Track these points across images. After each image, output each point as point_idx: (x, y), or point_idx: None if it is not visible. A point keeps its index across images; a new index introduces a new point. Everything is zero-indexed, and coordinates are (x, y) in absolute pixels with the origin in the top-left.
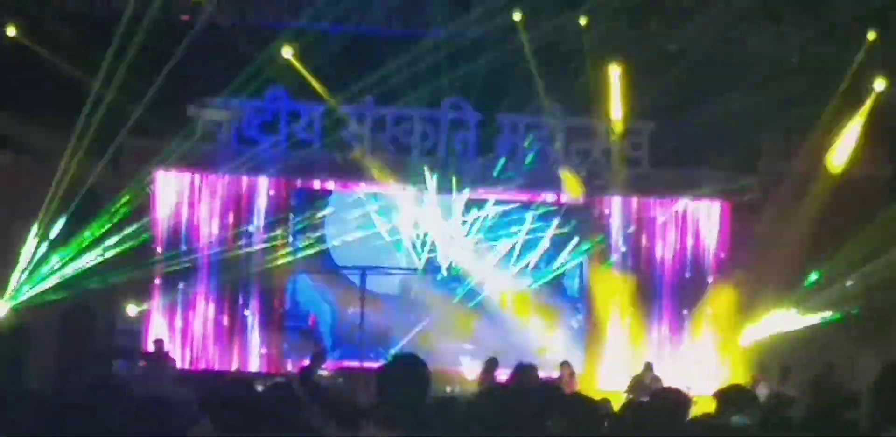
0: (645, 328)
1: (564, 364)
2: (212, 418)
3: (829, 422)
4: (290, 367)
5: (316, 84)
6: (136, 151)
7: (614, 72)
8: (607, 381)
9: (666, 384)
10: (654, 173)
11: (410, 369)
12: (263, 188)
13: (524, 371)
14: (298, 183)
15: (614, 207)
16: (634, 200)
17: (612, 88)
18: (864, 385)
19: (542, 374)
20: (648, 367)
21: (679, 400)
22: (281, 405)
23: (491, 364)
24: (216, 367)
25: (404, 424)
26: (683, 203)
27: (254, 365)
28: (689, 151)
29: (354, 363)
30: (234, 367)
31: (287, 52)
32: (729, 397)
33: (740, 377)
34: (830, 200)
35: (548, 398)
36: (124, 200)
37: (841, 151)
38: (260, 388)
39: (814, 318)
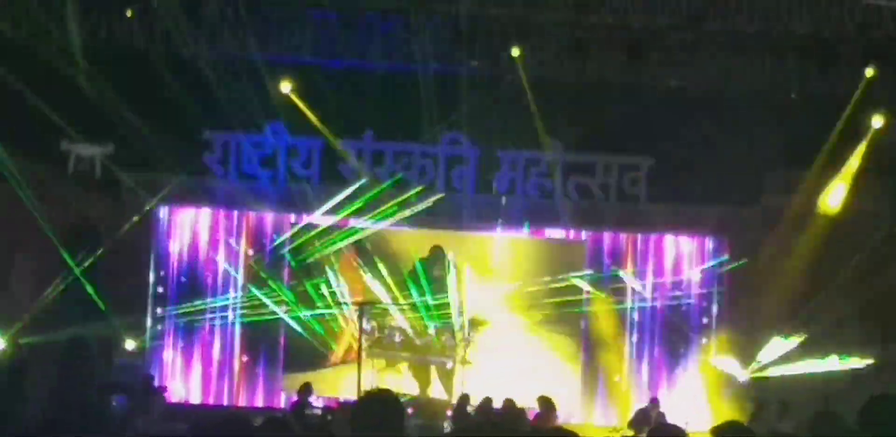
0: (642, 364)
1: (541, 399)
2: None
3: None
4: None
5: (314, 119)
6: (137, 186)
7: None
8: (606, 418)
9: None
10: (652, 209)
11: (383, 404)
12: (266, 223)
13: (484, 405)
14: (293, 218)
15: (611, 243)
16: (631, 237)
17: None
18: None
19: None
20: (654, 402)
21: (676, 435)
22: None
23: (462, 400)
24: (212, 402)
25: None
26: (681, 239)
27: (251, 400)
28: (689, 187)
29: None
30: (230, 402)
31: (286, 87)
32: (725, 433)
33: (738, 413)
34: (830, 238)
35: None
36: (120, 232)
37: (837, 189)
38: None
39: (820, 364)
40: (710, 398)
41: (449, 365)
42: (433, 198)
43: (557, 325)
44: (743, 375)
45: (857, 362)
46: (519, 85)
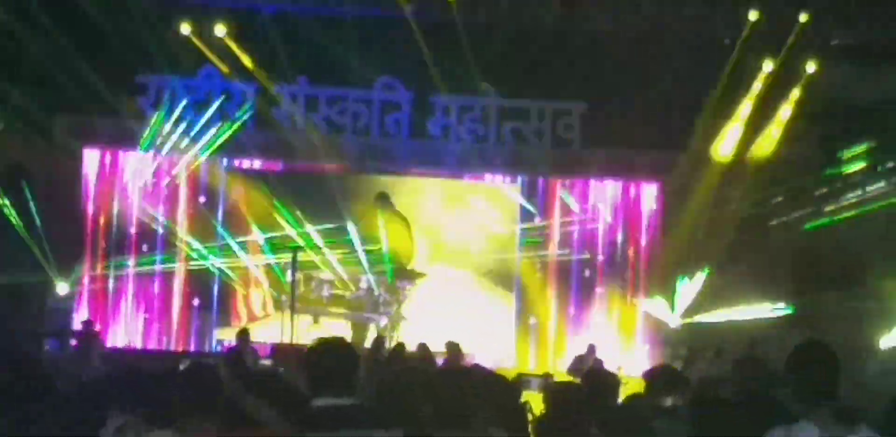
0: (575, 311)
1: (448, 344)
2: (125, 398)
3: (757, 402)
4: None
5: (249, 63)
6: (67, 128)
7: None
8: (540, 365)
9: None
10: (586, 154)
11: (339, 353)
12: (198, 168)
13: (395, 351)
14: (225, 162)
15: (546, 189)
16: (565, 182)
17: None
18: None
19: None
20: (591, 349)
21: (609, 381)
22: (200, 386)
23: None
24: (148, 347)
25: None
26: (614, 184)
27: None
28: (622, 132)
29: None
30: (168, 347)
31: (220, 31)
32: (659, 378)
33: (671, 359)
34: (760, 184)
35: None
36: (54, 177)
37: (729, 137)
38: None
39: (746, 311)
40: (641, 343)
41: (383, 322)
42: None
43: (491, 275)
44: (674, 320)
45: (778, 311)
46: (453, 30)
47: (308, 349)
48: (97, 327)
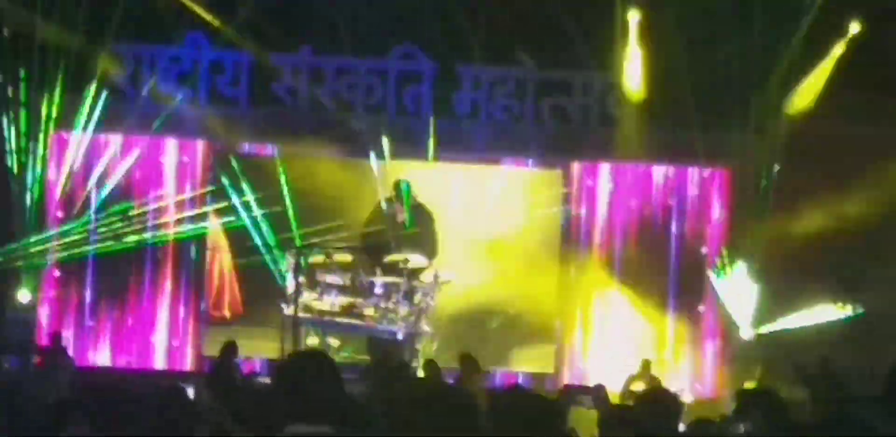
0: (633, 319)
1: (462, 357)
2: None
3: (843, 425)
4: None
5: (242, 29)
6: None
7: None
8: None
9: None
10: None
11: (313, 368)
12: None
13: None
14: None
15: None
16: (616, 166)
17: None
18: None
19: None
20: (646, 365)
21: (671, 404)
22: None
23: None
24: (122, 364)
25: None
26: (674, 170)
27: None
28: (681, 109)
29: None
30: (143, 364)
31: None
32: (754, 399)
33: (744, 377)
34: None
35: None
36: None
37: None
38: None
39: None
40: (712, 358)
41: (400, 335)
42: None
43: (533, 275)
44: (746, 330)
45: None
46: None
47: (278, 366)
48: (66, 342)
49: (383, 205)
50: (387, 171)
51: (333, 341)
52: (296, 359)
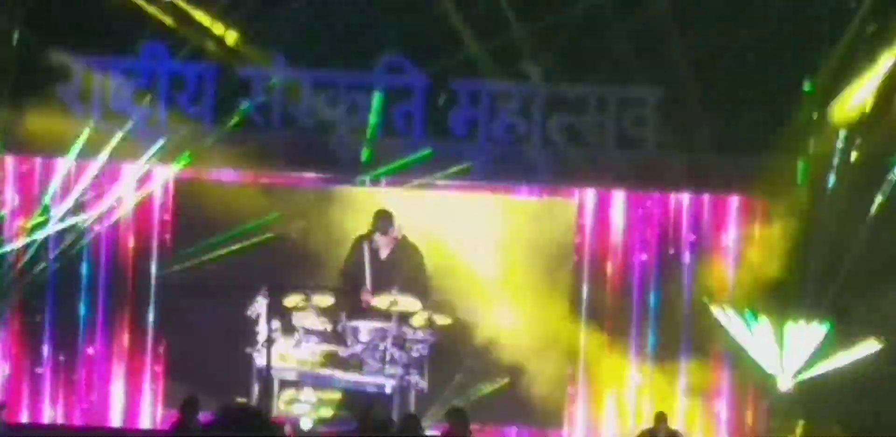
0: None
1: (450, 411)
2: None
3: None
4: None
5: (208, 37)
6: None
7: None
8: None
9: None
10: (663, 157)
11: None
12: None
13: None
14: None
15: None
16: (636, 195)
17: None
18: None
19: None
20: (661, 418)
21: None
22: None
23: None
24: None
25: None
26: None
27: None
28: (714, 126)
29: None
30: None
31: None
32: None
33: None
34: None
35: None
36: None
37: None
38: None
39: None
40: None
41: (388, 389)
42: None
43: (540, 320)
44: (784, 379)
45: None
46: None
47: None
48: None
49: (362, 240)
50: (371, 200)
51: (310, 397)
52: (221, 418)
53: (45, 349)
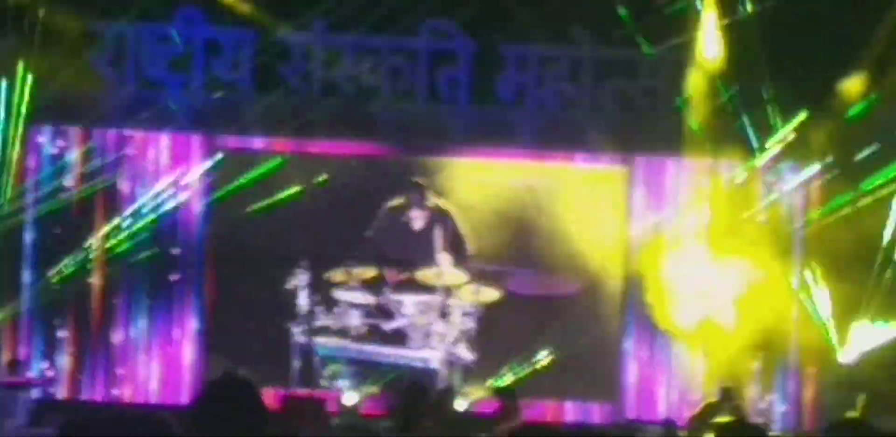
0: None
1: (497, 390)
2: None
3: None
4: None
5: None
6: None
7: None
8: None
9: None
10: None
11: (234, 394)
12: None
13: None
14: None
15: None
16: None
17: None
18: None
19: None
20: (727, 394)
21: None
22: None
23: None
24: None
25: None
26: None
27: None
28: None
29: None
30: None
31: None
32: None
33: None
34: None
35: None
36: None
37: None
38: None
39: None
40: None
41: (434, 364)
42: None
43: (593, 296)
44: (848, 352)
45: None
46: None
47: (193, 401)
48: (29, 369)
49: (394, 212)
50: (414, 169)
51: (354, 372)
52: (210, 392)
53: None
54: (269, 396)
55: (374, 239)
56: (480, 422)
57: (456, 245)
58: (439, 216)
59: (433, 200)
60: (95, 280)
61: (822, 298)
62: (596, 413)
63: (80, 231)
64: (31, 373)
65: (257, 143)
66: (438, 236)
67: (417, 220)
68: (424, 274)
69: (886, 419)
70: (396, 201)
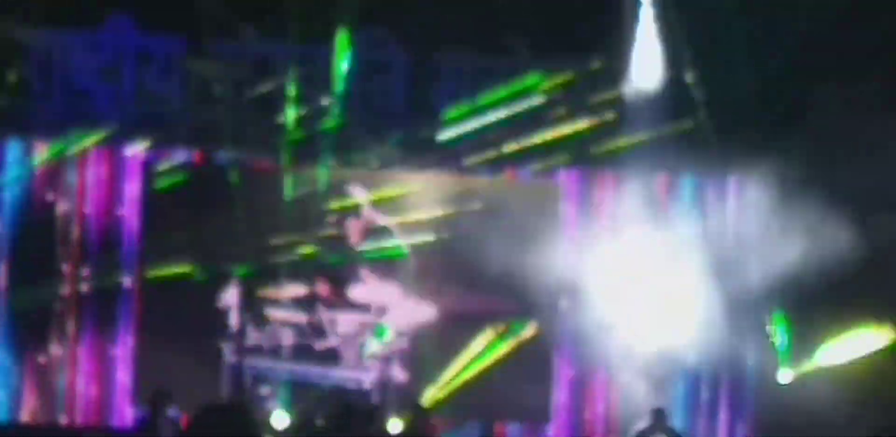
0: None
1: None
2: None
3: None
4: None
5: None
6: None
7: None
8: None
9: None
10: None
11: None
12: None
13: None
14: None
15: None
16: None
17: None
18: None
19: None
20: (660, 416)
21: None
22: None
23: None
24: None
25: None
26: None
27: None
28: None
29: None
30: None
31: None
32: None
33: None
34: None
35: None
36: None
37: None
38: None
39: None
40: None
41: (365, 384)
42: None
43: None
44: (783, 372)
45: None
46: None
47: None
48: None
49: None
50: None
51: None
52: (203, 416)
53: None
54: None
55: (308, 253)
56: None
57: (393, 262)
58: (376, 231)
59: (370, 214)
60: None
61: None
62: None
63: None
64: None
65: (186, 154)
66: (374, 251)
67: (354, 234)
68: (358, 291)
69: None
70: (332, 215)
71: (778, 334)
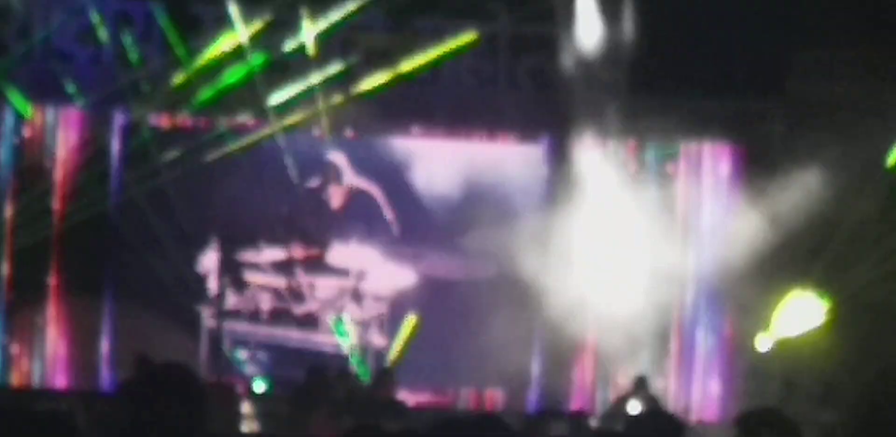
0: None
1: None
2: None
3: None
4: None
5: None
6: None
7: None
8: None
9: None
10: (636, 102)
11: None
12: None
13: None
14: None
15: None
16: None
17: None
18: None
19: None
20: (641, 383)
21: (671, 428)
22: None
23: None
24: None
25: None
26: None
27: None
28: (687, 73)
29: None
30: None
31: None
32: (758, 423)
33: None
34: None
35: None
36: None
37: None
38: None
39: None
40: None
41: (344, 349)
42: None
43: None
44: (764, 341)
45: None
46: None
47: (124, 384)
48: None
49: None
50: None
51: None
52: (144, 379)
53: None
54: None
55: (289, 217)
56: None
57: (374, 226)
58: (358, 196)
59: (352, 179)
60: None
61: None
62: (503, 402)
63: None
64: None
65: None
66: (355, 215)
67: (335, 198)
68: (337, 254)
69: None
70: (314, 180)
71: (755, 302)
